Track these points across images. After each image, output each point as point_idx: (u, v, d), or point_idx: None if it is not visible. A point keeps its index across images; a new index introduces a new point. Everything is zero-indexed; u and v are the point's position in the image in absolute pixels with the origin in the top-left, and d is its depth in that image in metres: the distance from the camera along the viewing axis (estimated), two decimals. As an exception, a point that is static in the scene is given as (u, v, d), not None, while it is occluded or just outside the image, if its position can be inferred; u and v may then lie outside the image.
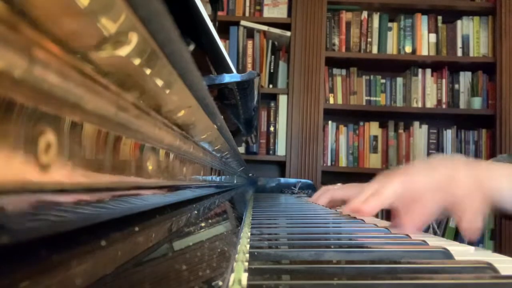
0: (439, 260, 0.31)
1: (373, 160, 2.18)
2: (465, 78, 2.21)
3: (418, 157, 2.16)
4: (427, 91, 2.19)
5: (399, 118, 2.21)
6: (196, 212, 0.43)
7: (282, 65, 2.17)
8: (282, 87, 2.15)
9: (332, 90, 2.20)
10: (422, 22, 2.21)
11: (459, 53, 2.18)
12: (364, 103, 2.20)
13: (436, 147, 2.18)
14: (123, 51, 0.15)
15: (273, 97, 2.16)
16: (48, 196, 0.13)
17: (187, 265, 0.24)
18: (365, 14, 2.21)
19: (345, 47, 2.18)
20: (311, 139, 2.09)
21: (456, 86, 2.21)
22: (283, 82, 2.17)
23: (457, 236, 2.06)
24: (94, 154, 0.16)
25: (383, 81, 2.23)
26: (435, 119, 2.21)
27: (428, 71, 2.21)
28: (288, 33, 2.13)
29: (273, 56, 2.16)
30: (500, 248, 1.99)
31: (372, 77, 2.23)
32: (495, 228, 2.04)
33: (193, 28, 0.59)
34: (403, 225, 0.53)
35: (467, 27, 2.20)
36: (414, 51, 2.19)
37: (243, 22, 2.13)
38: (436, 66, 2.21)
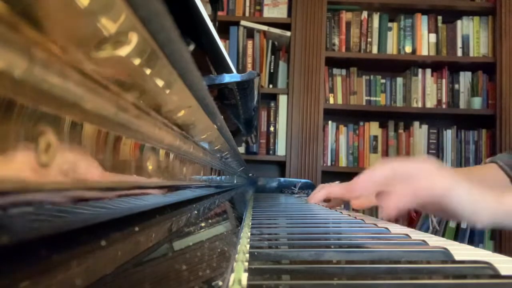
0: (439, 260, 0.31)
1: (373, 160, 2.18)
2: (465, 78, 2.21)
3: (418, 157, 2.16)
4: (427, 91, 2.19)
5: (399, 118, 2.21)
6: (196, 212, 0.43)
7: (282, 65, 2.17)
8: (282, 87, 2.15)
9: (332, 90, 2.20)
10: (422, 22, 2.21)
11: (459, 53, 2.18)
12: (364, 103, 2.20)
13: (436, 147, 2.18)
14: (123, 51, 0.15)
15: (273, 97, 2.16)
16: (48, 196, 0.13)
17: (187, 265, 0.24)
18: (365, 14, 2.21)
19: (345, 47, 2.18)
20: (311, 139, 2.09)
21: (456, 86, 2.21)
22: (283, 82, 2.17)
23: (457, 236, 2.06)
24: (94, 154, 0.16)
25: (383, 81, 2.23)
26: (435, 119, 2.21)
27: (428, 71, 2.21)
28: (288, 33, 2.13)
29: (273, 56, 2.16)
30: (500, 248, 1.99)
31: (372, 77, 2.23)
32: (495, 228, 2.04)
33: (193, 28, 0.59)
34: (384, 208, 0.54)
35: (467, 27, 2.20)
36: (414, 51, 2.19)
37: (243, 22, 2.13)
38: (436, 66, 2.21)
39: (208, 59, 0.74)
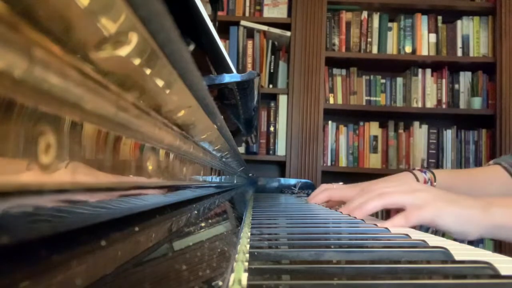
0: (439, 260, 0.31)
1: (373, 160, 2.18)
2: (465, 78, 2.21)
3: (418, 157, 2.17)
4: (427, 91, 2.19)
5: (399, 118, 2.21)
6: (196, 212, 0.43)
7: (282, 65, 2.17)
8: (282, 87, 2.15)
9: (332, 90, 2.20)
10: (422, 22, 2.21)
11: (459, 53, 2.18)
12: (364, 103, 2.20)
13: (436, 147, 2.18)
14: (123, 51, 0.15)
15: (273, 97, 2.16)
16: (48, 196, 0.13)
17: (187, 265, 0.24)
18: (365, 14, 2.21)
19: (345, 47, 2.18)
20: (311, 139, 2.09)
21: (456, 86, 2.21)
22: (283, 82, 2.17)
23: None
24: (94, 154, 0.16)
25: (383, 81, 2.23)
26: (435, 119, 2.21)
27: (428, 71, 2.21)
28: (288, 33, 2.13)
29: (273, 56, 2.16)
30: (500, 248, 1.99)
31: (372, 77, 2.23)
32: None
33: (193, 28, 0.59)
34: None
35: (467, 27, 2.20)
36: (414, 51, 2.19)
37: (243, 22, 2.13)
38: (436, 66, 2.21)
39: (208, 59, 0.74)
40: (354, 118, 2.22)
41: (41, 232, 0.13)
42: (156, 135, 0.25)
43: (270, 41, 2.16)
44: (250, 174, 1.80)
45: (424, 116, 2.19)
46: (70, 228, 0.15)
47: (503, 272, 0.26)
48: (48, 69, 0.12)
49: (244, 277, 0.22)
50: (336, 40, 2.20)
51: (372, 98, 2.22)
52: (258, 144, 2.11)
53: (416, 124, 2.19)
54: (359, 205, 0.66)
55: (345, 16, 2.20)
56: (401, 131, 2.19)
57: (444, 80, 2.20)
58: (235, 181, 1.06)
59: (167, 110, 0.24)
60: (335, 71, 2.22)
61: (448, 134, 2.18)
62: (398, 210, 0.62)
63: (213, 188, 0.64)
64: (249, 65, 2.15)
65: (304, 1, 2.12)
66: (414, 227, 0.60)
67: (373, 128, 2.21)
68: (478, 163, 2.15)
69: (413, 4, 2.18)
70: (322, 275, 0.25)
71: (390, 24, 2.21)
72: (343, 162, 2.17)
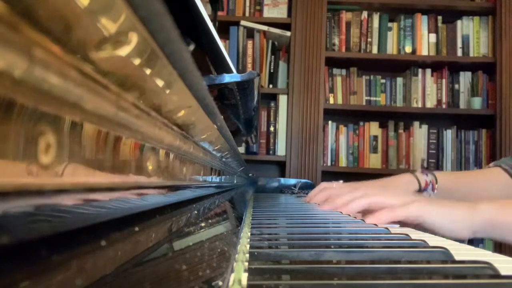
0: (439, 260, 0.31)
1: (373, 160, 2.18)
2: (465, 78, 2.21)
3: (418, 157, 2.17)
4: (427, 91, 2.19)
5: (399, 118, 2.21)
6: (196, 212, 0.43)
7: (282, 65, 2.17)
8: (282, 87, 2.15)
9: (332, 90, 2.20)
10: (422, 22, 2.21)
11: (459, 53, 2.18)
12: (364, 103, 2.20)
13: (436, 147, 2.18)
14: (123, 51, 0.15)
15: (273, 97, 2.16)
16: (48, 196, 0.13)
17: (187, 265, 0.24)
18: (365, 14, 2.21)
19: (345, 47, 2.18)
20: (311, 139, 2.09)
21: (456, 86, 2.21)
22: (283, 82, 2.17)
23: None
24: (94, 154, 0.16)
25: (383, 81, 2.23)
26: (435, 119, 2.21)
27: (428, 71, 2.21)
28: (288, 33, 2.13)
29: (273, 56, 2.16)
30: (500, 248, 1.99)
31: (372, 77, 2.23)
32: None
33: (193, 28, 0.59)
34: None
35: (467, 27, 2.20)
36: (414, 51, 2.19)
37: (243, 22, 2.13)
38: (436, 66, 2.20)
39: (208, 59, 0.74)
40: (354, 118, 2.22)
41: (41, 232, 0.13)
42: (156, 135, 0.25)
43: (270, 41, 2.16)
44: (250, 174, 1.80)
45: (424, 116, 2.19)
46: (70, 228, 0.15)
47: (503, 272, 0.26)
48: (48, 69, 0.12)
49: (244, 277, 0.22)
50: (336, 40, 2.20)
51: (372, 98, 2.21)
52: (258, 144, 2.11)
53: (416, 124, 2.19)
54: (346, 203, 0.67)
55: (345, 16, 2.20)
56: (401, 131, 2.19)
57: (444, 80, 2.20)
58: (235, 181, 1.06)
59: (167, 110, 0.24)
60: (335, 71, 2.22)
61: (448, 134, 2.18)
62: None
63: (213, 188, 0.64)
64: (249, 65, 2.15)
65: (304, 1, 2.12)
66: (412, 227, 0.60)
67: (373, 128, 2.21)
68: (478, 163, 2.15)
69: (413, 4, 2.18)
70: (322, 275, 0.25)
71: (390, 24, 2.21)
72: (343, 162, 2.17)
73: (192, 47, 0.63)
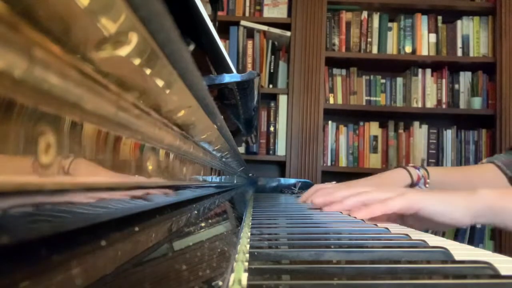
0: (439, 260, 0.31)
1: (373, 160, 2.18)
2: (465, 78, 2.21)
3: (418, 157, 2.17)
4: (427, 91, 2.19)
5: (399, 118, 2.21)
6: (196, 212, 0.43)
7: (282, 65, 2.17)
8: (282, 87, 2.15)
9: (332, 90, 2.20)
10: (422, 22, 2.21)
11: (459, 53, 2.18)
12: (364, 103, 2.20)
13: (436, 147, 2.18)
14: (123, 51, 0.15)
15: (273, 97, 2.16)
16: (48, 196, 0.13)
17: (187, 265, 0.24)
18: (365, 14, 2.21)
19: (345, 47, 2.18)
20: (311, 139, 2.09)
21: (456, 86, 2.21)
22: (283, 82, 2.17)
23: (457, 236, 2.06)
24: (94, 154, 0.16)
25: (383, 81, 2.23)
26: (435, 119, 2.21)
27: (428, 71, 2.21)
28: (288, 33, 2.13)
29: (273, 56, 2.16)
30: (500, 248, 1.99)
31: (372, 77, 2.23)
32: (495, 228, 2.04)
33: (193, 28, 0.59)
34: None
35: (467, 27, 2.20)
36: (414, 51, 2.19)
37: (243, 22, 2.13)
38: (436, 66, 2.20)
39: (208, 59, 0.74)
40: (354, 118, 2.22)
41: (41, 232, 0.13)
42: (156, 135, 0.25)
43: (270, 41, 2.16)
44: (250, 174, 1.80)
45: (424, 116, 2.19)
46: (70, 228, 0.15)
47: (503, 272, 0.26)
48: (48, 69, 0.12)
49: (244, 277, 0.22)
50: (336, 40, 2.20)
51: (372, 98, 2.21)
52: (258, 144, 2.11)
53: (416, 124, 2.19)
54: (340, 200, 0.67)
55: (345, 16, 2.20)
56: (401, 131, 2.19)
57: (444, 80, 2.20)
58: (235, 181, 1.06)
59: (167, 110, 0.24)
60: (335, 71, 2.22)
61: (448, 134, 2.18)
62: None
63: (213, 188, 0.64)
64: (249, 65, 2.15)
65: (304, 1, 2.12)
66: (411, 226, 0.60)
67: (373, 128, 2.21)
68: (477, 163, 2.15)
69: (413, 4, 2.18)
70: (322, 275, 0.25)
71: (390, 24, 2.21)
72: (343, 162, 2.17)
73: (192, 47, 0.63)
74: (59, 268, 0.14)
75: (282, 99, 2.14)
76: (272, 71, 2.15)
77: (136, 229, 0.23)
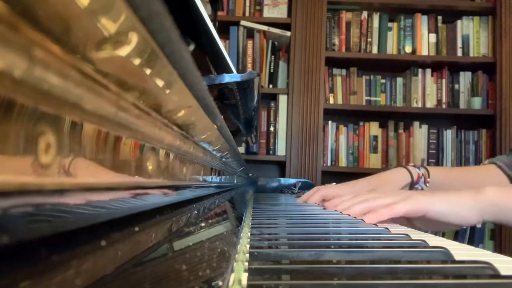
0: (439, 260, 0.31)
1: (373, 160, 2.18)
2: (465, 78, 2.21)
3: (418, 157, 2.17)
4: (427, 91, 2.19)
5: (399, 118, 2.21)
6: (196, 212, 0.43)
7: (282, 65, 2.17)
8: (282, 87, 2.15)
9: (332, 90, 2.20)
10: (422, 22, 2.21)
11: (459, 53, 2.18)
12: (364, 103, 2.20)
13: (436, 147, 2.18)
14: (123, 51, 0.15)
15: (273, 97, 2.16)
16: (48, 196, 0.13)
17: (187, 265, 0.24)
18: (365, 14, 2.21)
19: (345, 47, 2.18)
20: (311, 139, 2.09)
21: (456, 86, 2.21)
22: (283, 82, 2.17)
23: (457, 236, 2.06)
24: (94, 154, 0.16)
25: (383, 81, 2.23)
26: (435, 119, 2.21)
27: (428, 71, 2.21)
28: (288, 33, 2.13)
29: (273, 56, 2.16)
30: (500, 248, 1.99)
31: (372, 77, 2.23)
32: (495, 228, 2.04)
33: (193, 28, 0.59)
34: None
35: (467, 27, 2.20)
36: (414, 51, 2.19)
37: (243, 22, 2.13)
38: (436, 66, 2.20)
39: (208, 59, 0.74)
40: (354, 118, 2.22)
41: (41, 232, 0.13)
42: (156, 135, 0.25)
43: (270, 41, 2.16)
44: (250, 174, 1.80)
45: (424, 116, 2.19)
46: (70, 228, 0.15)
47: (503, 272, 0.26)
48: (48, 69, 0.12)
49: (244, 277, 0.22)
50: (336, 40, 2.20)
51: (372, 98, 2.21)
52: (258, 144, 2.11)
53: (416, 124, 2.19)
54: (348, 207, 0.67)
55: (345, 16, 2.20)
56: (401, 131, 2.19)
57: (444, 80, 2.20)
58: (235, 181, 1.06)
59: (167, 110, 0.24)
60: (335, 71, 2.22)
61: (448, 134, 2.18)
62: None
63: (213, 188, 0.64)
64: (249, 65, 2.15)
65: (304, 1, 2.12)
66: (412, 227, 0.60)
67: (373, 128, 2.21)
68: (478, 163, 2.15)
69: (413, 4, 2.18)
70: (322, 275, 0.25)
71: (390, 24, 2.21)
72: (343, 162, 2.17)
73: (192, 47, 0.63)
74: (59, 268, 0.14)
75: (282, 99, 2.14)
76: (272, 71, 2.15)
77: (136, 229, 0.23)
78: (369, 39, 2.19)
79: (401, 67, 2.23)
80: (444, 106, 2.19)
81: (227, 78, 0.61)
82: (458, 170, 1.17)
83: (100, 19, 0.13)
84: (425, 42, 2.19)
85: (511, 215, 0.59)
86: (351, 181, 1.00)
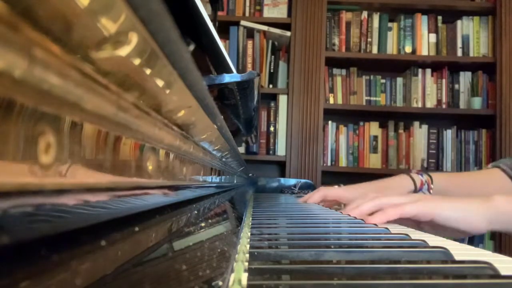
0: (439, 260, 0.31)
1: (373, 160, 2.18)
2: (465, 78, 2.21)
3: (418, 157, 2.17)
4: (427, 91, 2.19)
5: (399, 118, 2.21)
6: (196, 212, 0.43)
7: (282, 65, 2.17)
8: (282, 87, 2.15)
9: (332, 90, 2.20)
10: (422, 22, 2.21)
11: (459, 53, 2.18)
12: (364, 103, 2.20)
13: (436, 147, 2.18)
14: (123, 51, 0.15)
15: (273, 97, 2.16)
16: (48, 196, 0.13)
17: (187, 265, 0.24)
18: (365, 14, 2.21)
19: (345, 47, 2.18)
20: (311, 139, 2.09)
21: (456, 86, 2.21)
22: (283, 82, 2.17)
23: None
24: (94, 154, 0.16)
25: (383, 81, 2.23)
26: (435, 119, 2.21)
27: (428, 71, 2.21)
28: (288, 33, 2.13)
29: (273, 56, 2.16)
30: (500, 248, 1.99)
31: (372, 77, 2.23)
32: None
33: (193, 28, 0.59)
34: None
35: (467, 27, 2.20)
36: (414, 51, 2.19)
37: (243, 22, 2.13)
38: (436, 66, 2.20)
39: (208, 59, 0.74)
40: (354, 118, 2.22)
41: (41, 232, 0.13)
42: (156, 135, 0.25)
43: (270, 41, 2.16)
44: (250, 174, 1.80)
45: (424, 116, 2.19)
46: (70, 228, 0.15)
47: (503, 272, 0.26)
48: (48, 69, 0.12)
49: (244, 277, 0.22)
50: (336, 40, 2.20)
51: (372, 98, 2.21)
52: (258, 144, 2.11)
53: (416, 124, 2.19)
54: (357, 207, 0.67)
55: (345, 16, 2.20)
56: (401, 131, 2.19)
57: (444, 80, 2.20)
58: (235, 181, 1.06)
59: (167, 110, 0.24)
60: (335, 71, 2.22)
61: (448, 134, 2.18)
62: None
63: (213, 188, 0.64)
64: (249, 65, 2.15)
65: (304, 1, 2.12)
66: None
67: (373, 128, 2.21)
68: (478, 163, 2.15)
69: (413, 4, 2.18)
70: (322, 275, 0.25)
71: (390, 24, 2.21)
72: (343, 162, 2.17)
73: (192, 47, 0.63)
74: (59, 268, 0.14)
75: (282, 99, 2.14)
76: (272, 71, 2.15)
77: (136, 229, 0.23)
78: (369, 39, 2.19)
79: (401, 67, 2.23)
80: (444, 106, 2.19)
81: (227, 78, 0.61)
82: (461, 175, 1.16)
83: (100, 19, 0.13)
84: (425, 42, 2.19)
85: None
86: (354, 184, 0.99)
